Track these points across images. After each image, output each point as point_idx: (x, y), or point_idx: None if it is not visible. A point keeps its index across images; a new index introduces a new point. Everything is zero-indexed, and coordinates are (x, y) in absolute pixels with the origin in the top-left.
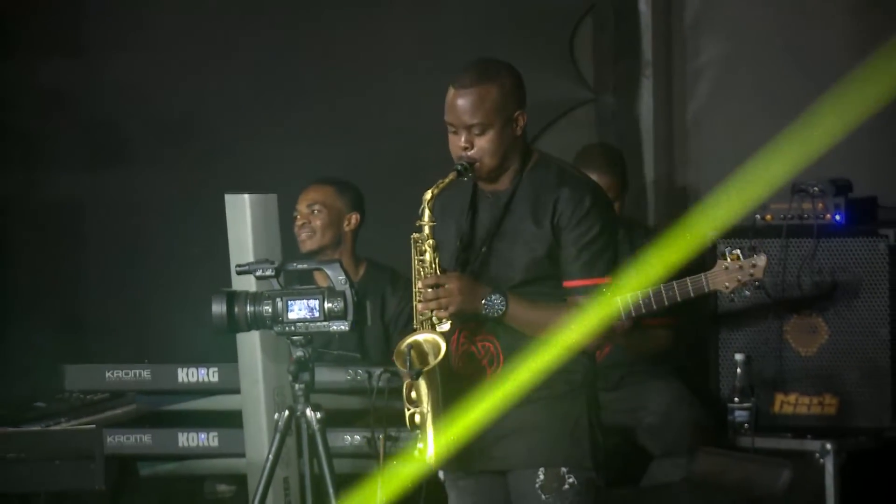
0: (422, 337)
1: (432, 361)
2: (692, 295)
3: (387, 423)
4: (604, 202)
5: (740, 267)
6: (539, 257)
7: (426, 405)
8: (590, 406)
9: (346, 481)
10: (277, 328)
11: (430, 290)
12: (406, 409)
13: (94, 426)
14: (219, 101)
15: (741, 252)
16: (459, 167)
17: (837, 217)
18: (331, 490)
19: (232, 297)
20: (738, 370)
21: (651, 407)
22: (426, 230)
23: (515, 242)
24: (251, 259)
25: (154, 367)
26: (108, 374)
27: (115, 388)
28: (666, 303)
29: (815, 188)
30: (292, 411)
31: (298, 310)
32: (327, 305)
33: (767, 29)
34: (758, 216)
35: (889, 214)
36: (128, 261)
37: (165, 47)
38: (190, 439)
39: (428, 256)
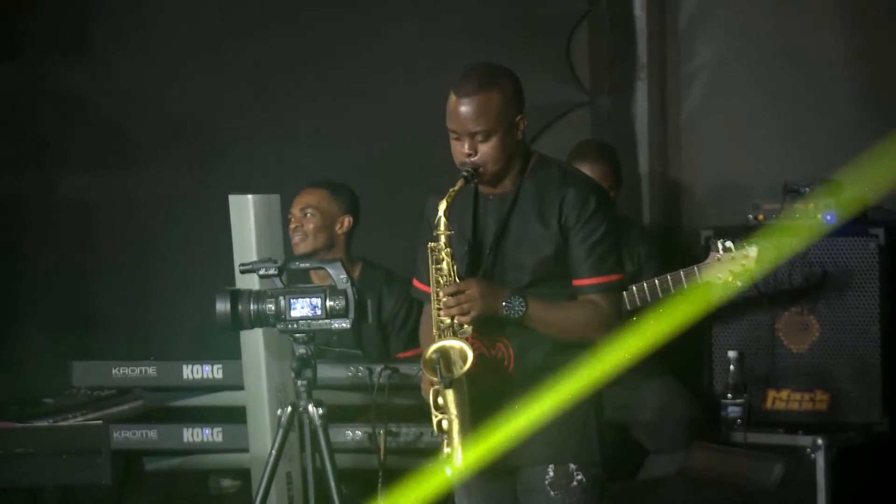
0: (448, 343)
1: (460, 368)
2: (685, 286)
3: (387, 419)
4: (607, 200)
5: (733, 258)
6: (547, 257)
7: (454, 412)
8: (597, 404)
9: (348, 476)
10: (280, 326)
11: (450, 297)
12: (433, 416)
13: (100, 422)
14: (223, 103)
15: (733, 244)
16: (466, 174)
17: (829, 217)
18: (332, 484)
19: (236, 296)
20: (732, 367)
21: (647, 403)
22: (442, 239)
23: (523, 244)
24: (254, 258)
25: (160, 363)
26: (114, 371)
27: (122, 384)
28: (660, 294)
29: (807, 188)
30: (295, 407)
31: (301, 308)
32: (329, 303)
33: (759, 33)
34: (750, 216)
35: (879, 214)
36: (134, 260)
37: (172, 51)
38: (195, 435)
39: (445, 265)
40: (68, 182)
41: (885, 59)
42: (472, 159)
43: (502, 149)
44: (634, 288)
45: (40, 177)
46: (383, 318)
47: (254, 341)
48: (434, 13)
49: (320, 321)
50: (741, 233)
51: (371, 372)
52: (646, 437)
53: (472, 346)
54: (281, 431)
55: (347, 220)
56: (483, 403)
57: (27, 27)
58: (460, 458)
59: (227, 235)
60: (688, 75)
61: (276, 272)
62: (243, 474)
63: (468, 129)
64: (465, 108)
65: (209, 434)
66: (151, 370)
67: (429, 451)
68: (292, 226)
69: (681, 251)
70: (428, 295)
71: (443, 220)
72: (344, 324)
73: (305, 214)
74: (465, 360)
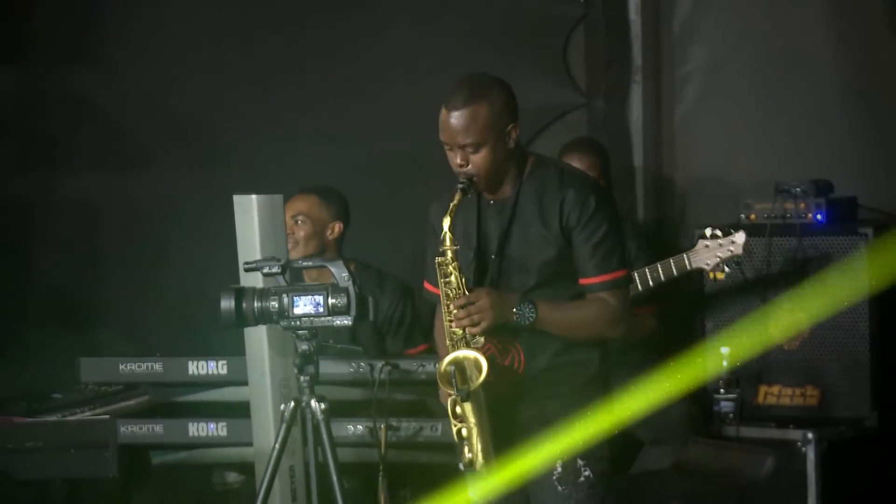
0: (462, 354)
1: (476, 379)
2: (675, 273)
3: (388, 414)
4: (606, 197)
5: (720, 244)
6: (551, 259)
7: (472, 420)
8: (604, 396)
9: (349, 469)
10: (283, 323)
11: (461, 309)
12: (452, 424)
13: (108, 417)
14: (226, 106)
15: (721, 230)
16: (462, 185)
17: (819, 216)
18: (334, 477)
19: (240, 293)
20: (724, 363)
21: None
22: (449, 254)
23: (526, 246)
24: (258, 257)
25: (165, 360)
26: (121, 367)
27: (129, 380)
28: (651, 283)
29: (798, 189)
30: (298, 402)
31: (304, 305)
32: (331, 301)
33: (751, 37)
34: (742, 215)
35: (868, 214)
36: (140, 258)
37: (176, 54)
38: (200, 429)
39: (453, 279)
40: (75, 183)
41: (876, 62)
42: (465, 169)
43: (493, 159)
44: None
45: (47, 178)
46: (378, 319)
47: (257, 338)
48: (434, 16)
49: (322, 318)
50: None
51: (372, 368)
52: (640, 429)
53: (485, 348)
54: (284, 426)
55: (338, 227)
56: (495, 404)
57: (34, 31)
58: (481, 461)
59: (232, 235)
60: (681, 78)
61: (279, 270)
62: (247, 468)
63: (458, 142)
64: (454, 121)
65: (214, 428)
66: (157, 366)
67: (428, 446)
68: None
69: (673, 249)
70: (438, 297)
71: (448, 235)
72: (346, 321)
73: (297, 222)
74: (479, 370)
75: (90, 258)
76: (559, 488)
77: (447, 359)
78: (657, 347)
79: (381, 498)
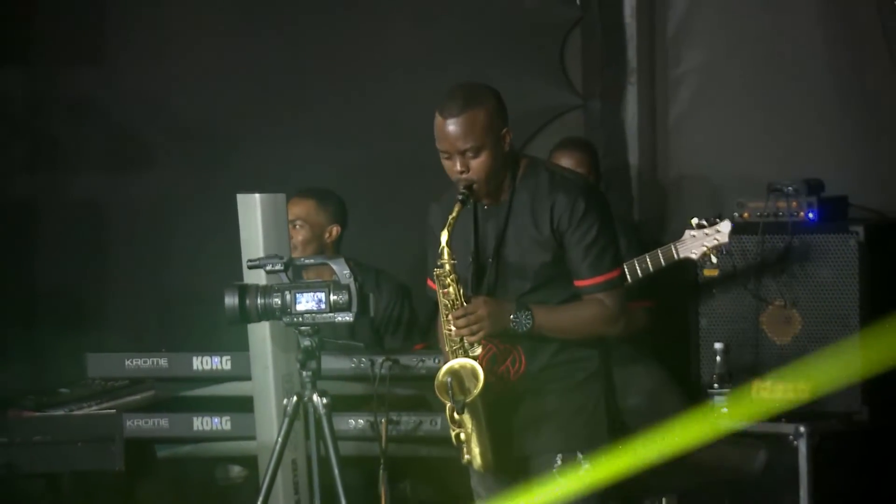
0: (458, 363)
1: (473, 389)
2: (663, 264)
3: (388, 408)
4: (597, 198)
5: (706, 234)
6: (546, 262)
7: (470, 427)
8: (605, 391)
9: (351, 462)
10: (286, 319)
11: (460, 319)
12: (451, 430)
13: (114, 411)
14: (230, 106)
15: (707, 220)
16: (461, 196)
17: (810, 215)
18: (336, 471)
19: (244, 290)
20: (718, 358)
21: (634, 389)
22: (447, 267)
23: (522, 250)
24: (261, 254)
25: (171, 355)
26: (127, 362)
27: (134, 375)
28: (640, 274)
29: (790, 188)
30: (300, 397)
31: (306, 302)
32: (333, 298)
33: (744, 39)
34: (735, 213)
35: (858, 212)
36: (146, 256)
37: (181, 56)
38: (204, 423)
39: (452, 290)
40: (82, 182)
41: (867, 65)
42: (465, 176)
43: (492, 163)
44: None
45: (53, 178)
46: (376, 317)
47: (261, 334)
48: (433, 19)
49: (324, 315)
50: None
51: (373, 363)
52: (633, 421)
53: (486, 349)
54: (287, 420)
55: (336, 229)
56: (495, 404)
57: (38, 33)
58: (480, 462)
59: (236, 233)
60: (676, 80)
61: (282, 268)
62: (250, 461)
63: (458, 148)
64: (452, 128)
65: (218, 423)
66: (163, 361)
67: (428, 439)
68: None
69: None
70: None
71: (446, 250)
72: (347, 317)
73: (294, 226)
74: (477, 379)
75: (96, 256)
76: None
77: (444, 369)
78: (647, 341)
79: (382, 490)
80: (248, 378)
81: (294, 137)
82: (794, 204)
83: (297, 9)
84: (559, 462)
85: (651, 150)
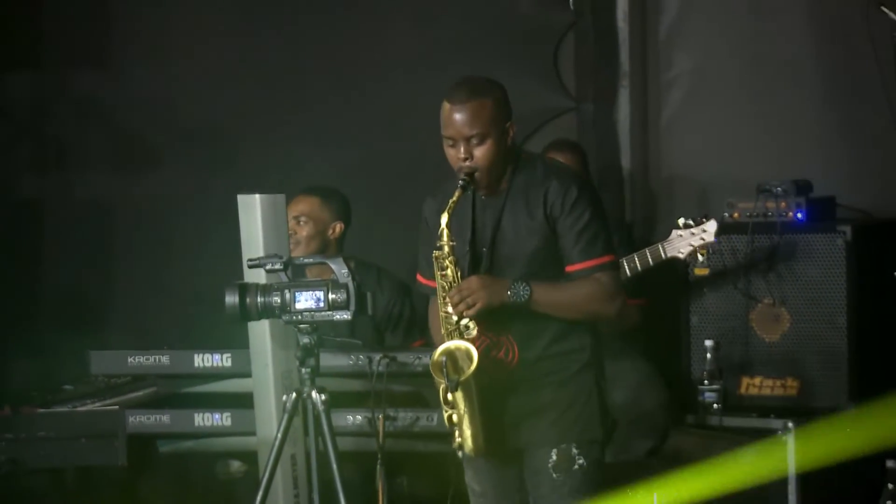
0: (453, 345)
1: (466, 369)
2: (651, 263)
3: (385, 405)
4: (589, 188)
5: (692, 233)
6: (538, 248)
7: (462, 408)
8: (598, 381)
9: (349, 458)
10: (286, 317)
11: (456, 295)
12: (444, 411)
13: (117, 407)
14: (232, 108)
15: (693, 220)
16: (462, 182)
17: (799, 215)
18: (334, 466)
19: (244, 289)
20: (708, 355)
21: (621, 384)
22: (446, 248)
23: (516, 239)
24: (261, 254)
25: (172, 353)
26: (130, 360)
27: (137, 372)
28: (629, 273)
29: (779, 188)
30: (299, 393)
31: (305, 300)
32: (331, 296)
33: (733, 43)
34: (725, 213)
35: (846, 212)
36: (148, 255)
37: (184, 59)
38: (205, 419)
39: (450, 272)
40: (86, 183)
41: (853, 68)
42: (469, 163)
43: (496, 152)
44: None
45: (60, 178)
46: (377, 315)
47: (261, 332)
48: (431, 23)
49: (323, 313)
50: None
51: (370, 360)
52: (618, 415)
53: (479, 339)
54: (286, 416)
55: (339, 226)
56: (488, 393)
57: (45, 36)
58: (471, 444)
59: (236, 233)
60: (667, 82)
61: (281, 267)
62: (250, 456)
63: (464, 134)
64: (459, 115)
65: (219, 419)
66: (165, 359)
67: (424, 435)
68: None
69: None
70: (431, 289)
71: (445, 231)
72: (345, 315)
73: (299, 222)
74: (470, 360)
75: (100, 255)
76: (554, 475)
77: (439, 349)
78: (638, 338)
79: (379, 485)
80: (249, 375)
81: (294, 137)
82: (783, 204)
83: (297, 9)
84: (554, 457)
85: (643, 152)
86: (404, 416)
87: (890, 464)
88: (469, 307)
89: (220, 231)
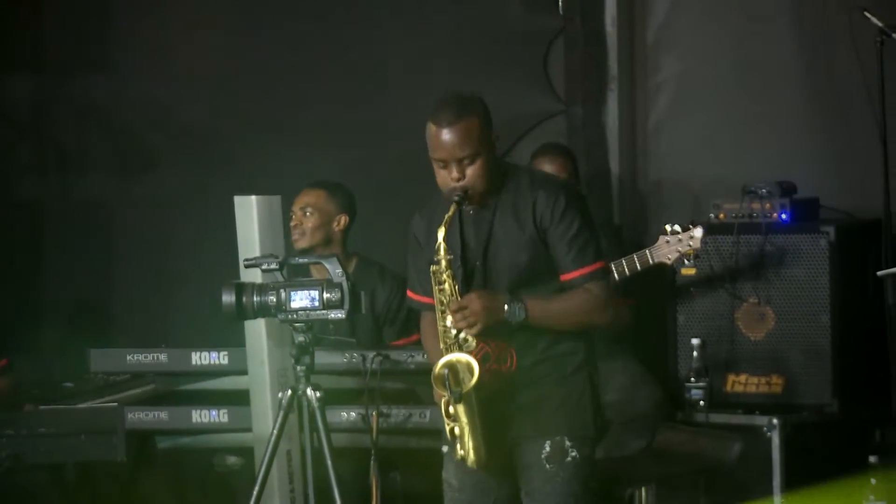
0: (455, 357)
1: (468, 382)
2: (639, 268)
3: (379, 402)
4: (577, 196)
5: (679, 239)
6: (531, 259)
7: (464, 421)
8: (591, 381)
9: (343, 454)
10: (281, 316)
11: (456, 314)
12: (445, 424)
13: (116, 404)
14: (232, 110)
15: (680, 226)
16: (457, 198)
17: (783, 216)
18: (329, 461)
19: (240, 288)
20: (695, 353)
21: (613, 384)
22: (443, 263)
23: (507, 251)
24: (258, 254)
25: (170, 351)
26: (129, 358)
27: (136, 370)
28: (616, 277)
29: (764, 190)
30: (294, 391)
31: (300, 299)
32: (326, 296)
33: (720, 48)
34: (712, 215)
35: (829, 214)
36: (147, 255)
37: (183, 64)
38: (202, 416)
39: (447, 286)
40: (87, 184)
41: (838, 72)
42: (461, 183)
43: (488, 168)
44: None
45: (61, 180)
46: (377, 310)
47: (257, 330)
48: (425, 27)
49: (318, 312)
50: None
51: (364, 358)
52: (611, 415)
53: (478, 347)
54: (282, 413)
55: (344, 219)
56: (487, 400)
57: (46, 40)
58: (473, 457)
59: (233, 233)
60: (655, 86)
61: (277, 267)
62: (247, 452)
63: (455, 156)
64: (448, 137)
65: (216, 415)
66: (163, 357)
67: (417, 431)
68: (293, 223)
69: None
70: (422, 304)
71: (443, 246)
72: (339, 314)
73: (305, 213)
74: (471, 373)
75: (100, 255)
76: (547, 466)
77: (441, 362)
78: (628, 338)
79: (373, 480)
80: (245, 373)
81: (293, 138)
82: (768, 205)
83: (294, 12)
84: (548, 448)
85: (631, 155)
86: (397, 413)
87: (872, 460)
88: (470, 326)
89: (219, 231)
